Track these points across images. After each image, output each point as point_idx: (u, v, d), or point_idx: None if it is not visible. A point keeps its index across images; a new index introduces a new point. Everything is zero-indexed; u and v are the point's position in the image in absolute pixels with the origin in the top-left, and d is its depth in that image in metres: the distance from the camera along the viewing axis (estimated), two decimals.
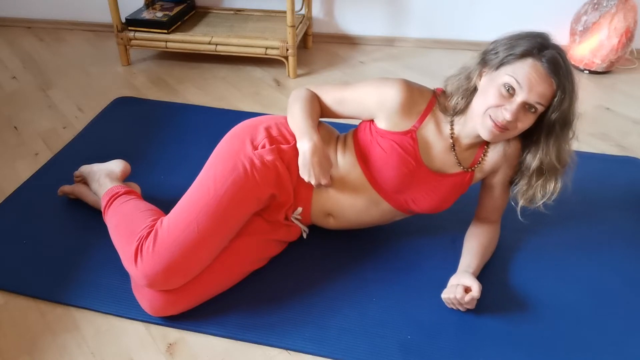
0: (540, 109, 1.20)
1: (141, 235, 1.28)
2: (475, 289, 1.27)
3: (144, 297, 1.29)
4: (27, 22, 3.02)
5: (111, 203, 1.44)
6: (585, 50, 2.47)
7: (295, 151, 1.34)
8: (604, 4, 2.40)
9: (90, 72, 2.54)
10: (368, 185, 1.38)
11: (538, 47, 1.19)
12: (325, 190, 1.39)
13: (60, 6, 2.97)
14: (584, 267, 1.48)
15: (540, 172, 1.31)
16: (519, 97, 1.18)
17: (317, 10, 2.80)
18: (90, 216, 1.60)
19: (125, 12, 2.53)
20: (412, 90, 1.32)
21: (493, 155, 1.37)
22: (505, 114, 1.19)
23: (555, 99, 1.19)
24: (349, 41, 2.85)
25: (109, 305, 1.35)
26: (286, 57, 2.45)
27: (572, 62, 2.58)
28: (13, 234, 1.56)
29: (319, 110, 1.40)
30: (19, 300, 1.38)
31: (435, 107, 1.33)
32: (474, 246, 1.43)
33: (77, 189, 1.65)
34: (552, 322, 1.32)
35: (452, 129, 1.33)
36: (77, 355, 1.25)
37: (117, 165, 1.59)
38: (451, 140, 1.34)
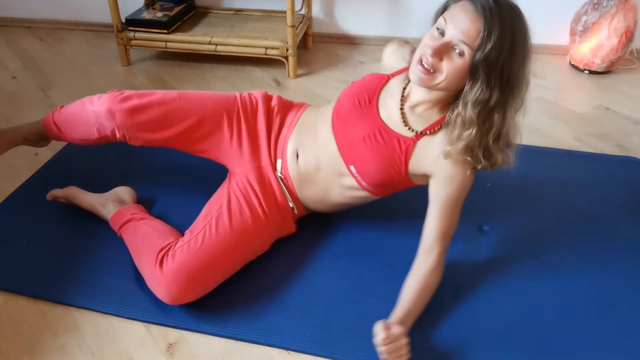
0: (465, 50, 1.15)
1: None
2: (380, 336, 1.14)
3: (160, 285, 1.29)
4: (27, 22, 3.02)
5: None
6: (585, 50, 2.47)
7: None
8: (604, 4, 2.40)
9: (90, 72, 2.54)
10: (329, 114, 1.44)
11: None
12: (296, 130, 1.49)
13: (60, 6, 2.97)
14: (583, 267, 1.47)
15: (463, 124, 1.22)
16: (446, 37, 1.18)
17: (317, 10, 2.80)
18: (90, 216, 1.60)
19: (125, 12, 2.53)
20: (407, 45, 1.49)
21: (435, 147, 1.28)
22: (427, 51, 1.19)
23: (479, 39, 1.13)
24: (349, 41, 2.85)
25: (109, 305, 1.35)
26: (286, 57, 2.45)
27: (572, 62, 2.58)
28: (13, 234, 1.56)
29: None
30: (19, 300, 1.38)
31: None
32: (403, 291, 1.30)
33: (70, 192, 1.62)
34: (552, 322, 1.32)
35: (405, 86, 1.37)
36: (77, 355, 1.25)
37: (124, 193, 1.62)
38: (401, 96, 1.36)
